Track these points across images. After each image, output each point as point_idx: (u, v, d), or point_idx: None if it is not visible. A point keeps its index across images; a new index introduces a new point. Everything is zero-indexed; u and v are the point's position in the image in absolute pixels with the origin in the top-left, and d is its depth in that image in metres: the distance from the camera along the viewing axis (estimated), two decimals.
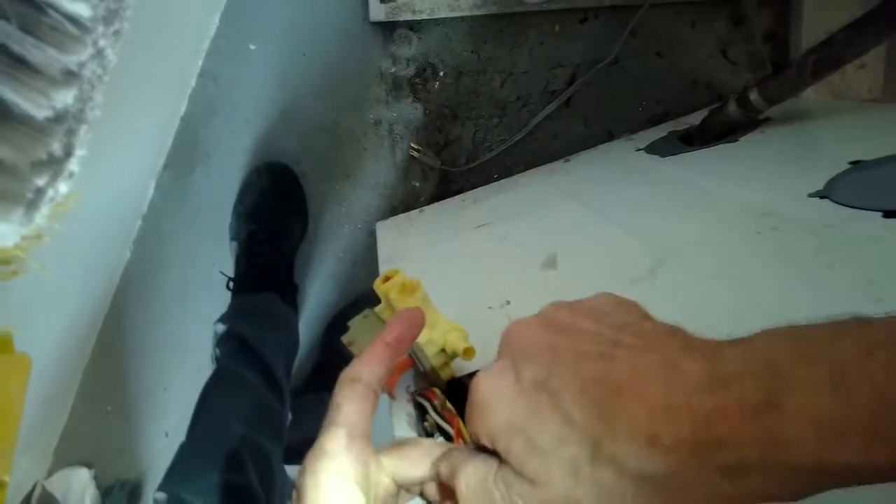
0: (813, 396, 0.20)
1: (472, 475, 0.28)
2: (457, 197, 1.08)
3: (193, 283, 1.13)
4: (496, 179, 1.10)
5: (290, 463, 0.95)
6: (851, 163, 0.63)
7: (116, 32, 0.25)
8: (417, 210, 1.08)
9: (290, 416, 1.03)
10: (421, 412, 0.46)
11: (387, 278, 0.44)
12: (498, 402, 0.27)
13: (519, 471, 0.25)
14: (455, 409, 0.43)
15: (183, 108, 1.04)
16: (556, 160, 1.09)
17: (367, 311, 0.49)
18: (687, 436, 0.21)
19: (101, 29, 0.25)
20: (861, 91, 1.07)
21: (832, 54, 0.72)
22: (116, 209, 0.98)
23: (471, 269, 0.73)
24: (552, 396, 0.25)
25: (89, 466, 1.22)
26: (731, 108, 0.84)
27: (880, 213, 0.52)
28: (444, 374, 0.45)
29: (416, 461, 0.31)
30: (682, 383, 0.22)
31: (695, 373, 0.22)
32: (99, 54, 0.25)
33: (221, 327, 0.97)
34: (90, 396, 1.18)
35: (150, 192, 1.08)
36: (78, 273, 0.93)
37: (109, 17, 0.25)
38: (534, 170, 1.09)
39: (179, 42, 0.94)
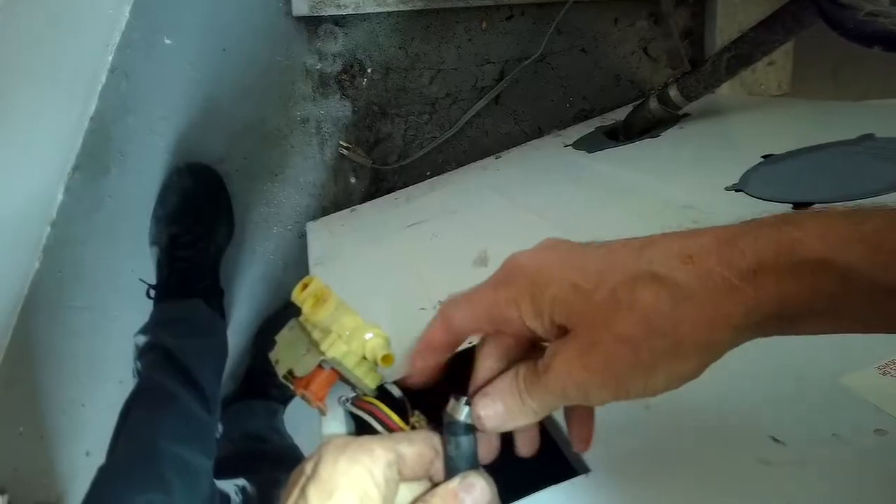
0: (826, 218, 0.23)
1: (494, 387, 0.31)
2: (389, 195, 1.07)
3: (110, 291, 1.06)
4: (428, 177, 1.10)
5: (221, 477, 0.92)
6: (764, 157, 0.66)
7: None
8: (349, 209, 1.06)
9: (220, 427, 0.99)
10: (357, 423, 0.45)
11: (305, 286, 0.43)
12: (538, 265, 0.29)
13: (563, 322, 0.27)
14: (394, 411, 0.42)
15: (93, 106, 0.97)
16: (487, 157, 1.09)
17: (292, 322, 0.47)
18: (713, 249, 0.25)
19: None
20: (771, 87, 1.13)
21: (744, 51, 0.75)
22: (19, 216, 0.91)
23: (403, 270, 0.72)
24: (588, 252, 0.29)
25: (2, 492, 1.13)
26: (653, 104, 0.86)
27: (791, 205, 0.55)
28: (371, 381, 0.44)
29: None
30: (706, 229, 0.26)
31: (718, 227, 0.26)
32: None
33: (142, 339, 0.92)
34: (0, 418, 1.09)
35: (60, 195, 1.00)
36: None
37: None
38: (466, 167, 1.09)
39: (85, 35, 0.88)
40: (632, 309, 0.25)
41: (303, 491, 0.28)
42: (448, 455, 0.32)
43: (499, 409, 0.31)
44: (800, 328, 0.24)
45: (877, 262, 0.22)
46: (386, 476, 0.29)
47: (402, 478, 0.30)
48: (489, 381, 0.32)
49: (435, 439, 0.32)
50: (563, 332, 0.28)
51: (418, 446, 0.31)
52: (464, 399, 0.32)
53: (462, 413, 0.32)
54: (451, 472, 0.31)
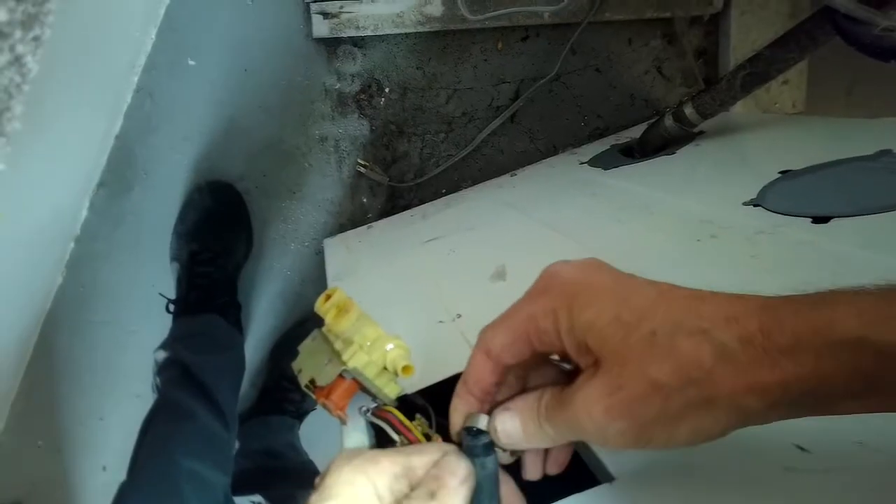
0: (860, 298, 0.24)
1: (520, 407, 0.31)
2: (405, 212, 1.08)
3: (131, 306, 1.08)
4: (444, 194, 1.11)
5: (237, 493, 0.92)
6: (781, 172, 0.66)
7: (36, 39, 0.24)
8: (366, 226, 1.07)
9: (237, 443, 0.99)
10: (376, 431, 0.45)
11: (328, 297, 0.43)
12: (581, 283, 0.29)
13: (595, 349, 0.27)
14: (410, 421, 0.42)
15: (118, 125, 1.00)
16: (502, 174, 1.10)
17: (315, 333, 0.48)
18: (756, 314, 0.25)
19: (18, 34, 0.23)
20: (786, 105, 1.13)
21: (759, 70, 0.76)
22: (45, 231, 0.93)
23: (421, 284, 0.72)
24: (635, 285, 0.28)
25: None
26: (668, 122, 0.87)
27: (809, 220, 0.55)
28: (391, 392, 0.44)
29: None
30: (751, 295, 0.26)
31: (761, 296, 0.26)
32: (17, 61, 0.24)
33: (162, 354, 0.93)
34: (19, 430, 1.10)
35: (84, 212, 1.03)
36: (1, 300, 0.87)
37: (28, 22, 0.23)
38: (481, 184, 1.10)
39: (112, 56, 0.90)
40: (671, 355, 0.25)
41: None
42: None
43: (517, 427, 0.31)
44: (835, 408, 0.25)
45: None
46: (392, 489, 0.28)
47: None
48: (491, 399, 0.32)
49: (448, 449, 0.32)
50: (592, 358, 0.27)
51: (430, 456, 0.30)
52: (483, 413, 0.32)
53: (481, 422, 0.32)
54: (476, 493, 0.31)
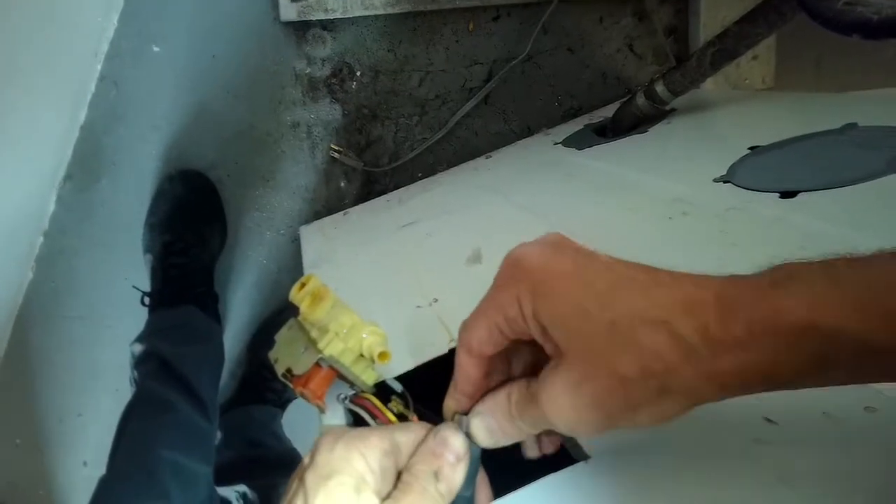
0: (811, 279, 0.24)
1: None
2: (381, 197, 1.07)
3: (105, 300, 1.06)
4: (420, 178, 1.10)
5: (221, 484, 0.92)
6: (750, 148, 0.67)
7: None
8: (341, 212, 1.06)
9: (219, 434, 0.99)
10: (355, 419, 0.45)
11: (302, 285, 0.43)
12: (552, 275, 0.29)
13: (559, 341, 0.27)
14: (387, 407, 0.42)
15: (83, 115, 0.97)
16: (477, 157, 1.10)
17: (291, 321, 0.47)
18: (712, 305, 0.25)
19: None
20: (755, 81, 1.14)
21: (728, 46, 0.76)
22: (11, 226, 0.91)
23: (398, 269, 0.72)
24: (596, 267, 0.28)
25: None
26: (640, 100, 0.87)
27: (777, 195, 0.56)
28: (368, 378, 0.44)
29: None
30: (707, 280, 0.26)
31: (716, 280, 0.26)
32: None
33: (139, 347, 0.92)
34: None
35: (51, 206, 1.00)
36: None
37: None
38: (457, 167, 1.10)
39: (72, 44, 0.88)
40: (632, 348, 0.25)
41: (301, 480, 0.28)
42: None
43: (492, 427, 0.31)
44: (789, 387, 0.25)
45: (858, 322, 0.23)
46: (382, 464, 0.29)
47: (399, 468, 0.31)
48: (484, 390, 0.32)
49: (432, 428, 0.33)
50: (556, 347, 0.28)
51: (415, 435, 0.32)
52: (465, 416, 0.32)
53: (462, 426, 0.32)
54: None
